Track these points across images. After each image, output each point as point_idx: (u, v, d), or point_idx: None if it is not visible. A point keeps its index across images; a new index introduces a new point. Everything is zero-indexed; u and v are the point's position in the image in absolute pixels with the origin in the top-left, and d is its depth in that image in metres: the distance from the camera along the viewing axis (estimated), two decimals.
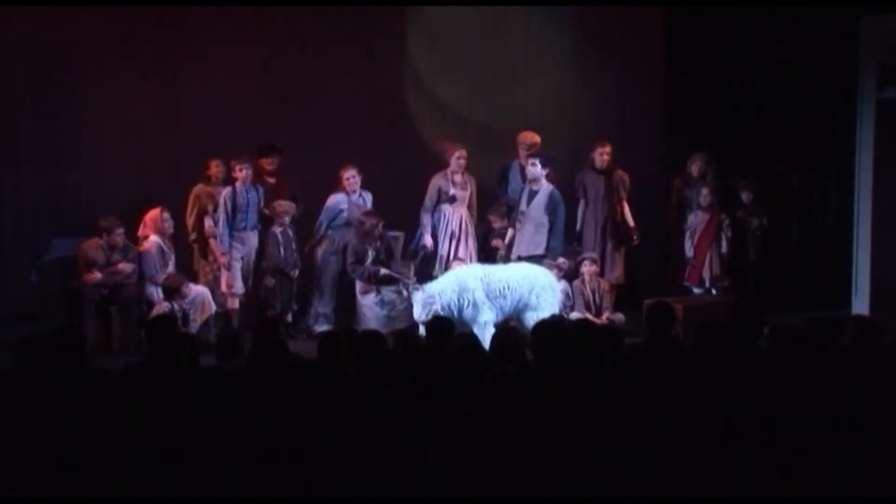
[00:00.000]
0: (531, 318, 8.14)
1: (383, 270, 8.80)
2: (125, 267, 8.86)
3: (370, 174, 9.90)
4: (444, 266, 9.15)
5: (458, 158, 9.35)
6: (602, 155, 9.52)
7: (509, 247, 9.13)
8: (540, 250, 8.88)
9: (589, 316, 9.00)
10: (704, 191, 9.76)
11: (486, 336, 7.80)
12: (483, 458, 3.97)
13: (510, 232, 9.26)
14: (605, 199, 9.52)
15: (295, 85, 10.69)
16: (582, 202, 9.60)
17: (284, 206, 9.29)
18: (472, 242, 9.37)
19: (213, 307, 8.96)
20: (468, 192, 9.42)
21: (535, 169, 9.00)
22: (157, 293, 8.88)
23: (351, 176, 9.30)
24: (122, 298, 8.83)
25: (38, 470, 4.08)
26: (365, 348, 5.54)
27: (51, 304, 9.47)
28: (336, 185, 9.43)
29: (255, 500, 4.00)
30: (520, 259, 8.87)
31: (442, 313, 8.06)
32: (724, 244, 9.78)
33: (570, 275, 9.37)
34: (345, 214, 9.27)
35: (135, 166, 10.14)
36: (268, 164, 9.59)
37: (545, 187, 8.94)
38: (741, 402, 4.56)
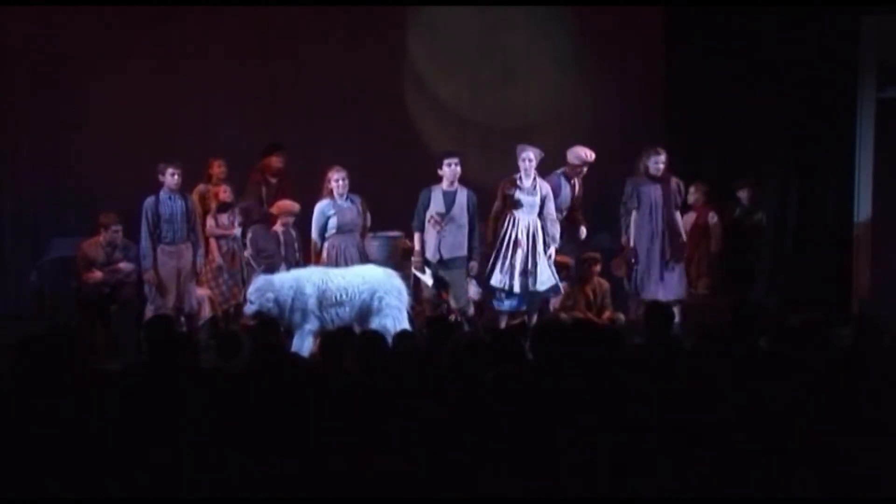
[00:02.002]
0: (375, 324, 7.95)
1: (247, 252, 8.72)
2: (125, 266, 8.86)
3: (370, 174, 9.91)
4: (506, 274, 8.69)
5: (523, 160, 8.68)
6: (657, 163, 8.96)
7: (421, 252, 8.63)
8: (463, 251, 8.56)
9: (589, 316, 9.00)
10: (691, 188, 9.66)
11: (304, 346, 7.83)
12: (483, 458, 3.97)
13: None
14: (663, 209, 8.99)
15: (295, 85, 10.71)
16: (635, 213, 9.02)
17: (284, 205, 9.24)
18: (540, 251, 8.70)
19: (209, 309, 8.96)
20: (537, 198, 8.71)
21: (457, 169, 8.55)
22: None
23: (340, 178, 8.63)
24: (122, 298, 8.83)
25: (39, 470, 4.08)
26: (365, 348, 5.54)
27: (51, 304, 9.48)
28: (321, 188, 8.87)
29: (256, 500, 4.00)
30: (441, 261, 8.51)
31: (271, 307, 7.96)
32: (713, 243, 9.66)
33: (571, 274, 9.36)
34: (334, 221, 8.66)
35: (135, 166, 10.14)
36: (276, 161, 9.55)
37: (460, 188, 8.60)
38: (741, 402, 4.56)
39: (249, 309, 8.04)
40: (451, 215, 8.52)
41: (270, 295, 7.99)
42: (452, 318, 8.37)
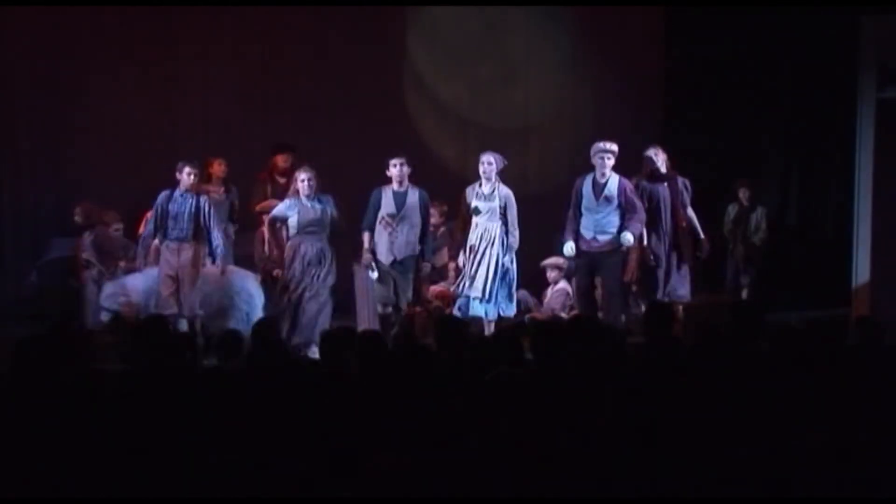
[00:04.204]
0: (220, 327, 8.01)
1: (86, 254, 8.85)
2: (125, 265, 8.87)
3: (370, 174, 9.90)
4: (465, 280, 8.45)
5: (481, 164, 8.45)
6: (654, 156, 8.76)
7: (369, 250, 8.43)
8: (415, 251, 8.43)
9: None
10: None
11: None
12: (483, 458, 3.97)
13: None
14: (670, 209, 8.79)
15: (295, 85, 10.70)
16: (644, 213, 8.71)
17: (269, 204, 9.19)
18: (488, 260, 8.39)
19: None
20: (496, 203, 8.42)
21: (403, 170, 8.38)
22: None
23: (306, 178, 8.32)
24: None
25: (39, 470, 4.08)
26: (365, 348, 5.53)
27: (51, 304, 9.47)
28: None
29: (256, 500, 4.00)
30: (395, 262, 8.37)
31: (126, 310, 8.10)
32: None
33: (570, 274, 9.35)
34: (295, 220, 8.35)
35: (135, 166, 10.15)
36: (283, 160, 9.43)
37: (411, 188, 8.45)
38: (741, 403, 4.56)
39: (105, 316, 8.08)
40: (402, 215, 8.40)
41: (122, 299, 8.16)
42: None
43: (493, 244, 8.43)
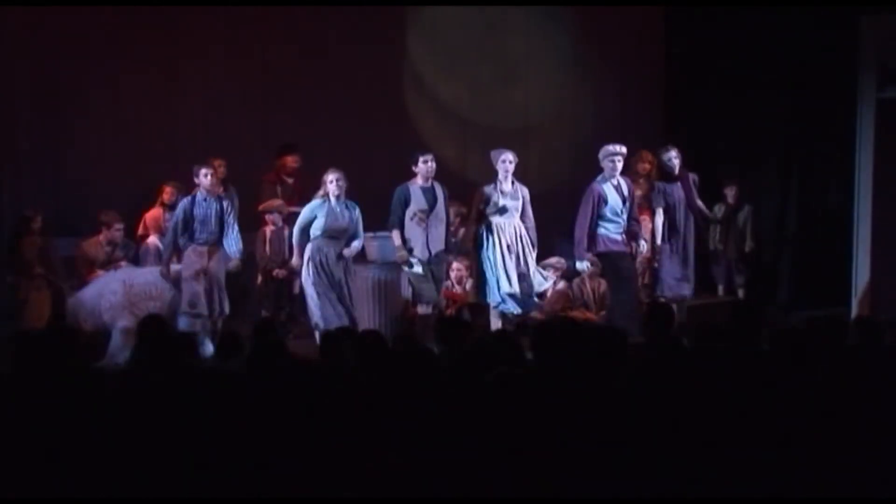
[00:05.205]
0: (182, 323, 8.18)
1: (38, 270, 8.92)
2: (125, 265, 8.87)
3: (370, 174, 9.91)
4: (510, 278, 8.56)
5: (503, 162, 8.53)
6: (671, 159, 9.08)
7: (403, 247, 8.47)
8: (444, 246, 8.57)
9: (588, 315, 9.00)
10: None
11: (117, 343, 8.03)
12: (483, 458, 3.97)
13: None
14: (685, 208, 9.13)
15: (295, 85, 10.70)
16: (660, 211, 9.10)
17: (270, 203, 9.21)
18: (529, 253, 8.61)
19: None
20: (519, 202, 8.58)
21: (433, 165, 8.46)
22: None
23: (335, 179, 8.36)
24: None
25: (39, 470, 4.08)
26: (365, 348, 5.53)
27: None
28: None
29: (255, 500, 4.00)
30: (431, 257, 8.43)
31: (83, 314, 8.31)
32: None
33: (569, 274, 9.36)
34: (322, 223, 8.37)
35: (135, 166, 10.14)
36: (292, 161, 9.48)
37: (435, 183, 8.52)
38: (741, 403, 4.56)
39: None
40: (437, 212, 8.50)
41: (82, 313, 8.36)
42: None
43: (525, 240, 8.58)
